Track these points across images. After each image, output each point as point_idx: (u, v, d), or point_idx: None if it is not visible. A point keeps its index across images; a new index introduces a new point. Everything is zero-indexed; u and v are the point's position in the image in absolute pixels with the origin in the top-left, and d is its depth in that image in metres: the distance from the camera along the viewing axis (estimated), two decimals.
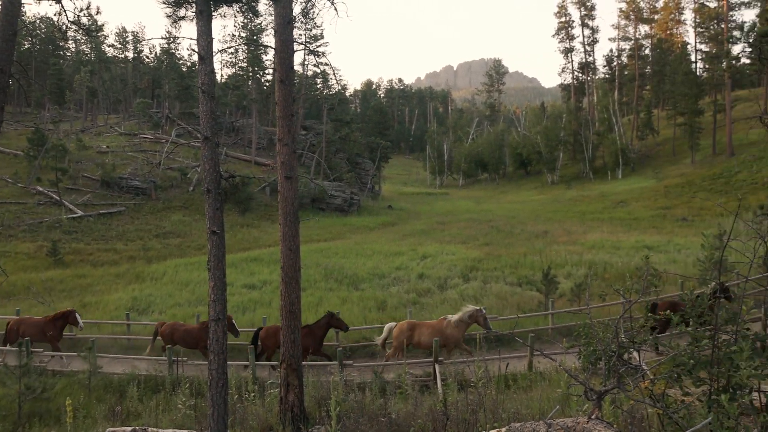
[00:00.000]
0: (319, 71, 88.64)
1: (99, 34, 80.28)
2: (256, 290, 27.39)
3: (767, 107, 71.29)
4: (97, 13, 62.48)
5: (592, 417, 4.53)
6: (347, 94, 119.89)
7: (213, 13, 8.90)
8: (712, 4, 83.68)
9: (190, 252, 38.25)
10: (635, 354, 5.64)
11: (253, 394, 12.93)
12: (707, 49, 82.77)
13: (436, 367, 15.57)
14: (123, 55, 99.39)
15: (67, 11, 10.60)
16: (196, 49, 8.85)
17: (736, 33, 72.17)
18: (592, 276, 26.32)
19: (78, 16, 11.77)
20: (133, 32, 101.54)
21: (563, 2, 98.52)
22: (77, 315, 19.22)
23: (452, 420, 7.58)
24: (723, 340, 4.68)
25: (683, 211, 47.55)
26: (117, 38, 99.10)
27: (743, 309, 4.72)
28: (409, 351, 17.27)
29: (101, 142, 67.19)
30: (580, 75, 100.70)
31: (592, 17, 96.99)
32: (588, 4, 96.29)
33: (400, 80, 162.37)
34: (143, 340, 21.08)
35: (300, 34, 75.46)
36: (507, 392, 12.43)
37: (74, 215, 44.71)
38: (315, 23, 75.86)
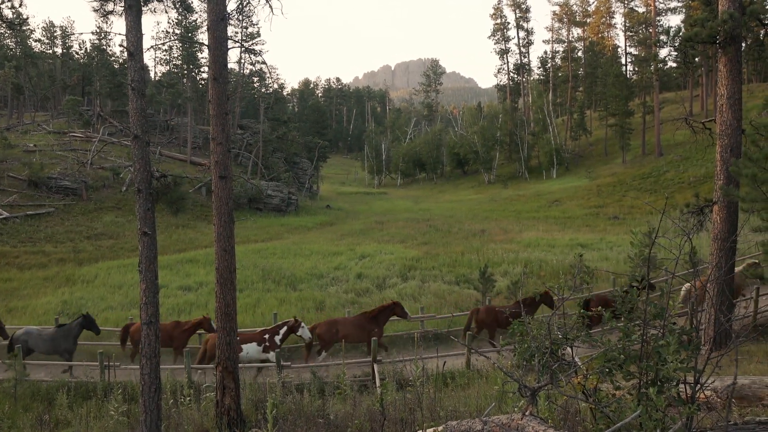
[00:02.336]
0: (255, 69, 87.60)
1: (24, 28, 77.00)
2: (192, 292, 26.82)
3: (693, 109, 74.25)
4: (21, 5, 59.87)
5: (527, 413, 4.56)
6: (284, 93, 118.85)
7: (143, 8, 8.64)
8: (641, 9, 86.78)
9: (123, 254, 37.12)
10: (569, 350, 5.73)
11: (188, 398, 12.64)
12: (636, 53, 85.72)
13: (375, 366, 15.56)
14: (51, 51, 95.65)
15: None
16: (126, 45, 8.58)
17: (663, 37, 74.79)
18: (528, 274, 26.84)
19: (0, 7, 11.25)
20: (61, 27, 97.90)
21: (499, 4, 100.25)
22: None
23: (390, 419, 7.55)
24: (651, 334, 4.79)
25: (615, 210, 49.05)
26: (44, 33, 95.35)
27: (670, 304, 4.85)
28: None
29: (28, 140, 64.50)
30: (516, 76, 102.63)
31: (526, 19, 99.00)
32: (523, 6, 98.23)
33: (338, 80, 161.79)
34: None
35: (236, 32, 74.48)
36: (445, 390, 12.52)
37: None
38: (251, 21, 75.03)
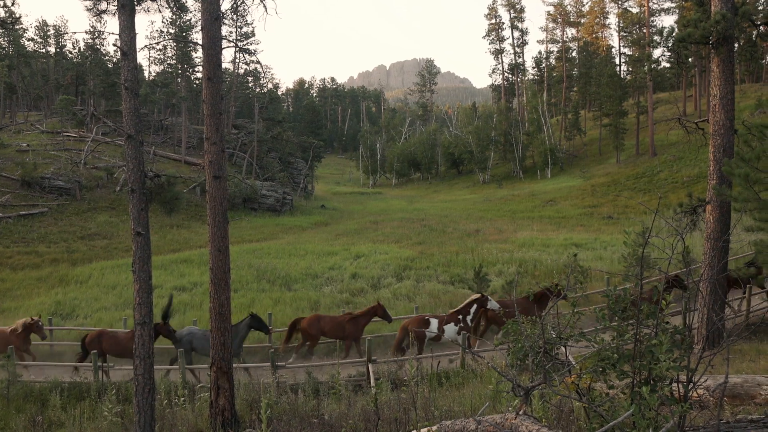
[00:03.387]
0: (249, 69, 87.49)
1: (17, 27, 76.68)
2: (187, 292, 26.77)
3: (686, 109, 74.52)
4: (13, 3, 59.58)
5: (520, 413, 4.58)
6: (279, 92, 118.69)
7: (136, 8, 8.63)
8: (635, 10, 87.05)
9: (117, 254, 37.02)
10: (563, 349, 5.75)
11: (183, 399, 12.62)
12: (630, 53, 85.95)
13: (370, 366, 15.56)
14: (44, 50, 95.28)
15: None
16: (119, 45, 8.56)
17: (657, 38, 75.19)
18: (523, 273, 26.89)
19: None
20: (54, 26, 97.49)
21: (493, 4, 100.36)
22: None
23: (384, 419, 7.56)
24: (644, 333, 4.81)
25: (609, 210, 49.16)
26: (37, 32, 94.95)
27: (663, 303, 4.87)
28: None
29: (21, 140, 64.25)
30: (510, 76, 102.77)
31: (521, 19, 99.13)
32: (517, 6, 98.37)
33: (332, 79, 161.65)
34: (67, 345, 20.28)
35: (230, 32, 74.31)
36: (440, 390, 12.54)
37: None
38: (245, 20, 74.79)
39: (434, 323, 17.10)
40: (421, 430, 5.65)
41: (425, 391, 10.39)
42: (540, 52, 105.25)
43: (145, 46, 62.27)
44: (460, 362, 16.01)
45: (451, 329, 16.85)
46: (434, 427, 5.28)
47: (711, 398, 7.86)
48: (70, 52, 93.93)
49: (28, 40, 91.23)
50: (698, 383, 4.68)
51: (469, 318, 17.01)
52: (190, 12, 75.05)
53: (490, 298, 17.47)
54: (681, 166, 55.60)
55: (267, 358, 16.92)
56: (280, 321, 21.55)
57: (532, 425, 4.33)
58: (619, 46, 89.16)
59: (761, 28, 15.86)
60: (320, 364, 16.72)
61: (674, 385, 4.67)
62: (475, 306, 17.11)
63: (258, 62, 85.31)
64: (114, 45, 8.18)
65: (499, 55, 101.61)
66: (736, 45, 19.77)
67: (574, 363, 5.67)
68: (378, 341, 19.02)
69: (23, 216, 44.31)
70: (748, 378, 8.88)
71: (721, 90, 15.02)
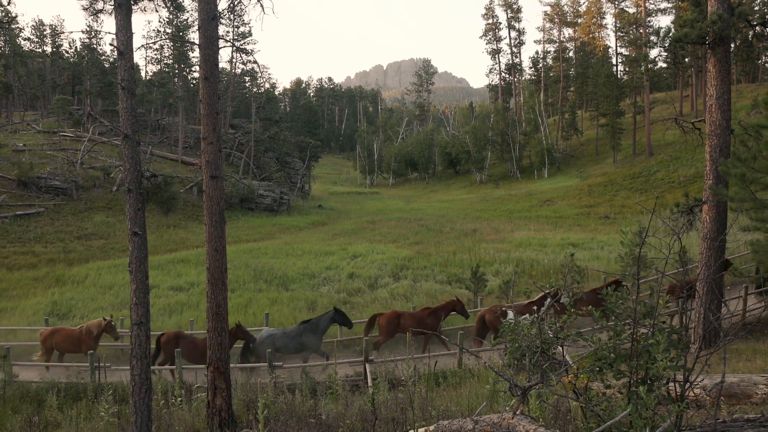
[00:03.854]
0: (246, 69, 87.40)
1: (13, 27, 76.49)
2: (183, 292, 26.75)
3: (683, 109, 74.64)
4: (9, 3, 59.38)
5: (517, 412, 4.58)
6: (276, 92, 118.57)
7: (133, 7, 8.61)
8: (631, 10, 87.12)
9: (114, 254, 36.96)
10: (560, 349, 5.75)
11: (180, 399, 12.60)
12: (627, 53, 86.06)
13: (367, 366, 15.56)
14: (40, 49, 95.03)
15: None
16: (116, 44, 8.54)
17: (653, 38, 75.02)
18: (520, 273, 26.91)
19: None
20: (51, 25, 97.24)
21: (490, 4, 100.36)
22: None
23: (381, 419, 7.56)
24: (641, 333, 4.82)
25: (606, 209, 49.21)
26: (33, 31, 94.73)
27: (660, 303, 4.87)
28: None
29: (17, 139, 64.08)
30: (507, 76, 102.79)
31: (518, 19, 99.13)
32: (514, 6, 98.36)
33: (330, 79, 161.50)
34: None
35: (227, 31, 74.19)
36: (437, 390, 12.54)
37: None
38: (242, 20, 74.69)
39: (511, 314, 17.30)
40: (419, 430, 5.65)
41: (422, 391, 10.38)
42: (537, 52, 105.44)
43: (142, 45, 62.25)
44: (458, 362, 16.02)
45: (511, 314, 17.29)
46: (431, 427, 5.28)
47: (708, 397, 7.87)
48: (67, 52, 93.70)
49: (25, 39, 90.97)
50: (695, 383, 4.69)
51: (542, 310, 17.16)
52: (187, 12, 75.04)
53: (562, 292, 17.61)
54: (678, 166, 55.69)
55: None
56: (278, 321, 21.54)
57: (529, 425, 4.33)
58: (616, 46, 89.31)
59: (757, 28, 15.91)
60: (316, 364, 16.72)
61: (671, 384, 4.68)
62: (549, 300, 17.31)
63: (255, 62, 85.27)
64: (111, 44, 8.18)
65: (496, 55, 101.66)
66: (732, 45, 19.84)
67: (571, 363, 5.67)
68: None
69: (20, 216, 44.21)
70: (744, 377, 8.90)
71: (717, 90, 15.04)
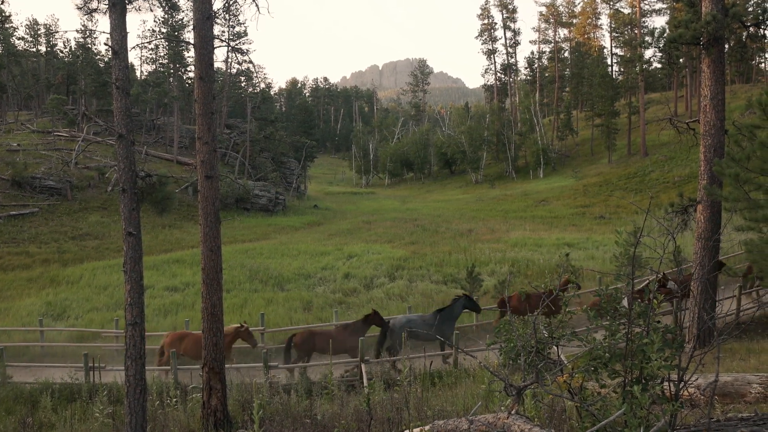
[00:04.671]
0: (242, 69, 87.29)
1: (7, 26, 76.21)
2: (179, 292, 26.70)
3: (677, 110, 74.84)
4: (3, 2, 59.15)
5: (513, 412, 4.59)
6: (272, 92, 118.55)
7: (128, 6, 8.59)
8: (626, 11, 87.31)
9: (108, 254, 36.87)
10: (555, 348, 5.76)
11: (175, 400, 12.58)
12: (622, 53, 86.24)
13: (363, 366, 15.56)
14: (35, 49, 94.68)
15: None
16: (110, 44, 8.52)
17: (648, 38, 75.44)
18: (515, 273, 26.94)
19: None
20: (45, 25, 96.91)
21: (486, 4, 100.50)
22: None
23: (377, 419, 7.56)
24: (636, 333, 4.83)
25: (601, 209, 49.32)
26: (28, 31, 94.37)
27: (654, 303, 4.88)
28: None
29: (11, 139, 63.85)
30: (503, 76, 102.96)
31: (513, 20, 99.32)
32: (510, 6, 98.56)
33: (325, 79, 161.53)
34: (58, 347, 20.16)
35: (222, 31, 74.17)
36: (432, 390, 12.55)
37: None
38: (237, 20, 74.66)
39: (624, 301, 17.33)
40: (414, 429, 5.66)
41: (418, 391, 10.39)
42: (532, 53, 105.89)
43: (137, 45, 61.89)
44: (453, 362, 16.03)
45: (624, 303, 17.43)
46: (427, 427, 5.28)
47: (702, 397, 7.90)
48: (61, 51, 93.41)
49: (19, 39, 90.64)
50: (689, 382, 4.70)
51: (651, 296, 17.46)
52: (182, 11, 74.80)
53: (670, 277, 17.81)
54: (672, 166, 55.85)
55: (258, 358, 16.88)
56: (273, 321, 21.52)
57: (524, 424, 4.33)
58: (611, 46, 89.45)
59: (751, 29, 15.96)
60: (311, 365, 16.70)
61: (665, 383, 4.69)
62: (657, 285, 17.54)
63: (250, 62, 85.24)
64: (105, 44, 8.15)
65: (492, 56, 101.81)
66: (726, 46, 19.89)
67: (566, 362, 5.68)
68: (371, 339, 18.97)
69: (13, 216, 44.06)
70: (738, 376, 8.93)
71: (711, 90, 15.09)
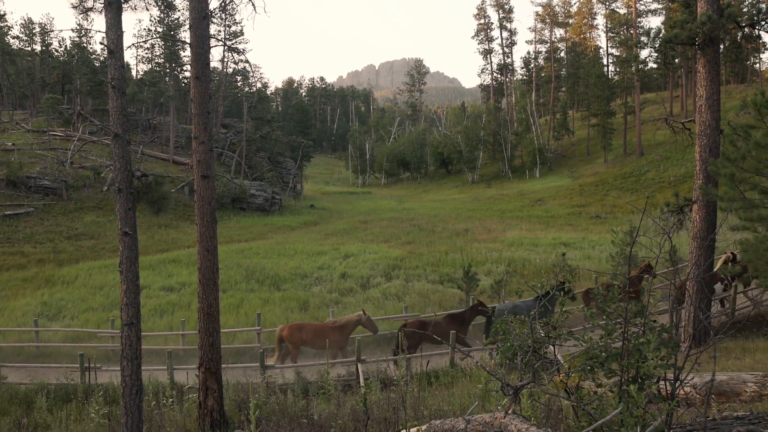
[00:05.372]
0: (238, 68, 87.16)
1: (1, 25, 75.97)
2: (175, 292, 26.66)
3: (673, 110, 75.00)
4: None
5: (509, 412, 4.59)
6: (268, 92, 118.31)
7: (123, 5, 8.57)
8: (622, 11, 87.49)
9: (104, 254, 36.77)
10: (551, 348, 5.77)
11: (171, 400, 12.56)
12: (618, 54, 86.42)
13: (359, 366, 15.56)
14: (29, 48, 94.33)
15: None
16: (106, 43, 8.50)
17: (644, 38, 75.56)
18: (511, 273, 26.95)
19: None
20: (40, 24, 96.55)
21: (482, 4, 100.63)
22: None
23: (374, 419, 7.56)
24: (632, 332, 4.83)
25: (597, 209, 49.39)
26: (22, 29, 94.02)
27: (650, 302, 4.89)
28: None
29: (6, 139, 63.62)
30: (499, 76, 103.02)
31: (510, 20, 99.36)
32: (506, 6, 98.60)
33: (322, 79, 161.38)
34: (53, 347, 20.11)
35: (218, 30, 74.05)
36: (429, 389, 12.56)
37: None
38: (234, 19, 74.61)
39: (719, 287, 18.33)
40: (411, 429, 5.66)
41: (415, 391, 10.40)
42: (529, 53, 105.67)
43: (133, 44, 61.94)
44: (449, 361, 16.04)
45: (719, 288, 18.37)
46: (424, 427, 5.29)
47: (698, 396, 7.92)
48: (56, 51, 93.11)
49: (13, 38, 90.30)
50: (685, 381, 4.71)
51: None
52: (178, 10, 74.77)
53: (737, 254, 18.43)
54: (668, 166, 55.97)
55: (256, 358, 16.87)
56: (270, 321, 21.50)
57: (521, 424, 4.34)
58: (607, 46, 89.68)
59: (746, 29, 15.98)
60: (309, 364, 16.70)
61: (661, 383, 4.70)
62: (729, 264, 18.33)
63: (247, 61, 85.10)
64: (101, 43, 8.14)
65: (488, 55, 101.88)
66: (721, 46, 19.94)
67: (562, 362, 5.69)
68: (368, 339, 18.98)
69: (8, 216, 43.92)
70: (734, 375, 8.96)
71: (707, 91, 15.13)
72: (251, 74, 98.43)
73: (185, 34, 74.19)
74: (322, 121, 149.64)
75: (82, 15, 9.06)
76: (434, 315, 19.72)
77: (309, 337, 16.98)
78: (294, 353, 17.29)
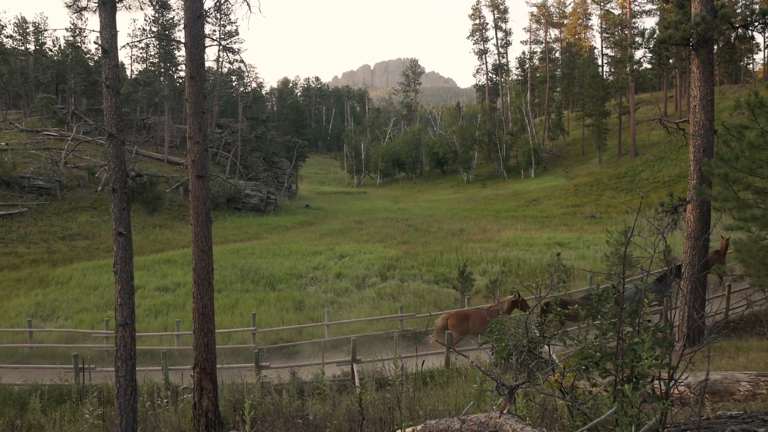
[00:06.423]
0: (233, 68, 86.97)
1: None
2: (170, 293, 26.60)
3: (667, 110, 75.19)
4: None
5: (505, 411, 4.59)
6: (263, 92, 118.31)
7: (117, 5, 8.55)
8: (617, 12, 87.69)
9: (99, 254, 36.66)
10: (546, 348, 5.77)
11: (166, 401, 12.53)
12: (612, 54, 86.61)
13: (354, 366, 15.55)
14: (23, 47, 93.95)
15: None
16: (100, 42, 8.48)
17: (638, 39, 75.60)
18: (506, 273, 26.99)
19: None
20: (34, 23, 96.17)
21: (477, 5, 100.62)
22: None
23: (369, 419, 7.55)
24: (627, 332, 4.84)
25: (592, 209, 49.50)
26: (16, 29, 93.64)
27: (644, 302, 4.90)
28: None
29: (0, 139, 63.51)
30: (494, 76, 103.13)
31: (505, 20, 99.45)
32: (501, 7, 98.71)
33: (317, 79, 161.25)
34: (47, 348, 20.03)
35: (213, 30, 73.79)
36: (424, 389, 12.55)
37: None
38: (229, 19, 74.35)
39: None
40: (406, 429, 5.65)
41: (410, 391, 10.39)
42: (524, 53, 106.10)
43: (127, 44, 61.76)
44: (445, 361, 16.04)
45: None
46: (419, 427, 5.28)
47: (692, 395, 7.94)
48: (50, 50, 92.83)
49: (7, 37, 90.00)
50: (679, 380, 4.72)
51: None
52: (173, 10, 74.46)
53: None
54: (662, 166, 56.13)
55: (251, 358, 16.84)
56: (265, 321, 21.49)
57: (516, 424, 4.34)
58: (602, 47, 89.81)
59: (739, 30, 16.06)
60: (305, 364, 16.68)
61: (656, 382, 4.71)
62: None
63: (242, 61, 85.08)
64: (95, 43, 8.11)
65: (483, 56, 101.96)
66: (715, 47, 20.00)
67: (557, 361, 5.70)
68: (364, 340, 18.98)
69: (2, 216, 43.75)
70: (727, 375, 8.99)
71: (701, 91, 15.18)
72: (246, 74, 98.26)
73: (180, 34, 74.02)
74: (317, 121, 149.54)
75: (76, 14, 9.05)
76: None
77: (476, 326, 16.78)
78: (456, 341, 16.97)
